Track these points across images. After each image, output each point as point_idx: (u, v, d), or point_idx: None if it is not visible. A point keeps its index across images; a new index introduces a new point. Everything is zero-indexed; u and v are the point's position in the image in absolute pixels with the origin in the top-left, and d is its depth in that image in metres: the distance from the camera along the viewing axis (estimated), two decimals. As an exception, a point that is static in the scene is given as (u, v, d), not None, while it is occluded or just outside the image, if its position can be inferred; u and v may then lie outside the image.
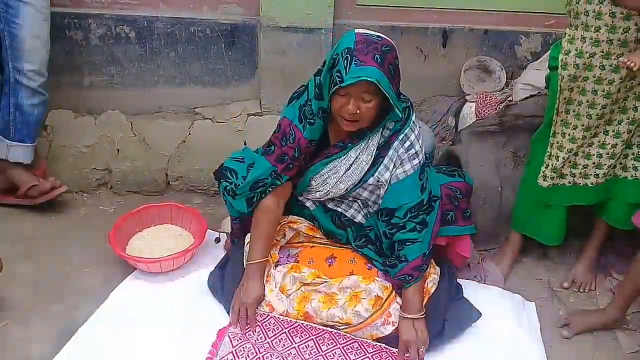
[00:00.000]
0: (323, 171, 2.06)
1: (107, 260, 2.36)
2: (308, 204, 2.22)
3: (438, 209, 2.09)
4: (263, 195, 2.08)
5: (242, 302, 2.07)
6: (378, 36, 1.84)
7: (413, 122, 2.00)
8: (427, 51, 3.04)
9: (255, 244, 2.10)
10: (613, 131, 2.13)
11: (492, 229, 2.54)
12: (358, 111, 1.83)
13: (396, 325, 2.04)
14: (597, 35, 1.95)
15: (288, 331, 2.09)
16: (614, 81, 2.00)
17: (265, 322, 2.11)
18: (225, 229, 2.48)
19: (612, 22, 1.92)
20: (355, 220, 2.19)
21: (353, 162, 2.01)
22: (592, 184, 2.22)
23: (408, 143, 1.97)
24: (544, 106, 2.33)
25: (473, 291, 2.28)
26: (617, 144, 2.14)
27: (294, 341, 2.06)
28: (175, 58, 2.97)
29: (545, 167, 2.24)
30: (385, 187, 2.03)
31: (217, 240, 2.50)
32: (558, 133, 2.18)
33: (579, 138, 2.13)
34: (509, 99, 2.88)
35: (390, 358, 2.03)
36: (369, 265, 2.22)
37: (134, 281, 2.29)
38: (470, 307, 2.17)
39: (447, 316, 2.10)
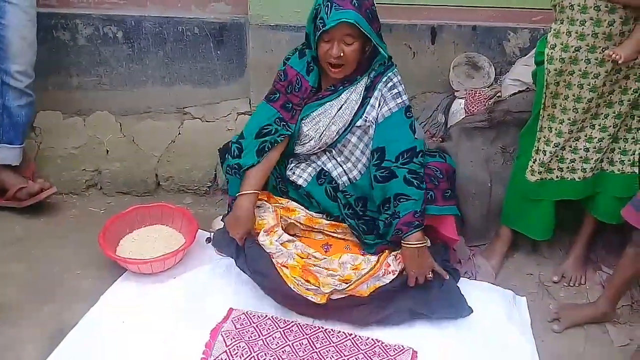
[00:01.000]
0: (315, 114, 2.17)
1: (98, 261, 2.34)
2: (300, 181, 2.28)
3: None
4: (274, 144, 2.16)
5: (232, 231, 2.16)
6: None
7: (396, 69, 2.16)
8: (415, 48, 3.04)
9: (249, 179, 2.16)
10: (599, 125, 2.14)
11: (482, 225, 2.55)
12: (342, 54, 2.00)
13: (397, 274, 2.09)
14: (582, 29, 1.96)
15: (282, 331, 2.09)
16: (600, 75, 2.00)
17: (260, 323, 2.12)
18: (217, 228, 2.47)
19: (597, 15, 1.92)
20: (337, 182, 2.26)
21: (344, 103, 2.14)
22: (579, 178, 2.23)
23: (391, 84, 2.13)
24: (532, 101, 2.34)
25: (464, 287, 2.28)
26: (603, 138, 2.15)
27: (288, 339, 2.07)
28: (163, 58, 2.97)
29: (533, 162, 2.24)
30: (373, 127, 2.14)
31: (209, 240, 2.49)
32: (545, 127, 2.18)
33: (566, 132, 2.14)
34: (497, 95, 2.89)
35: (383, 353, 2.04)
36: (363, 251, 2.26)
37: (124, 283, 2.28)
38: (464, 300, 2.18)
39: (440, 294, 2.13)
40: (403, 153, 2.09)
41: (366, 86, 2.14)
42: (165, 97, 3.05)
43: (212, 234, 2.48)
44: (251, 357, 1.98)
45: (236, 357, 1.98)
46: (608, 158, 2.23)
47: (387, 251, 2.16)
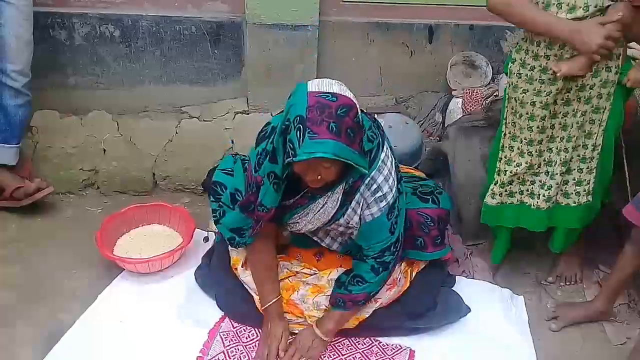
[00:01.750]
0: (294, 215, 1.97)
1: (95, 261, 2.34)
2: (285, 233, 2.17)
3: (399, 253, 2.00)
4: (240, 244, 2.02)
5: (271, 342, 1.99)
6: (333, 95, 1.63)
7: (382, 162, 1.84)
8: (413, 47, 3.05)
9: (264, 287, 2.03)
10: (556, 148, 2.08)
11: (479, 224, 2.53)
12: (319, 177, 1.70)
13: (380, 301, 2.04)
14: (537, 49, 1.95)
15: None
16: (552, 92, 1.97)
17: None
18: (214, 228, 2.47)
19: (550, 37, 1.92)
20: (331, 248, 2.15)
21: (321, 208, 1.91)
22: (536, 206, 2.16)
23: (375, 186, 1.84)
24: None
25: (462, 286, 2.30)
26: (557, 162, 2.09)
27: None
28: (160, 57, 2.96)
29: (494, 184, 2.18)
30: (356, 229, 1.96)
31: (206, 239, 2.49)
32: (506, 147, 2.13)
33: (526, 153, 2.09)
34: (495, 94, 2.89)
35: (381, 352, 2.04)
36: None
37: (122, 282, 2.27)
38: (460, 300, 2.19)
39: (438, 302, 2.12)
40: (379, 251, 1.93)
41: (345, 190, 1.86)
42: (163, 96, 3.04)
43: (209, 233, 2.48)
44: None
45: (233, 358, 1.98)
46: (562, 191, 2.15)
47: None
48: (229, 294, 2.14)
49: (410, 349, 2.05)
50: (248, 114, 3.03)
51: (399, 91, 3.18)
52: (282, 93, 2.95)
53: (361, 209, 1.89)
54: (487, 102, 2.83)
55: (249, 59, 2.94)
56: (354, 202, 1.87)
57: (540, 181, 2.15)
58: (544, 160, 2.12)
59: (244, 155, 2.14)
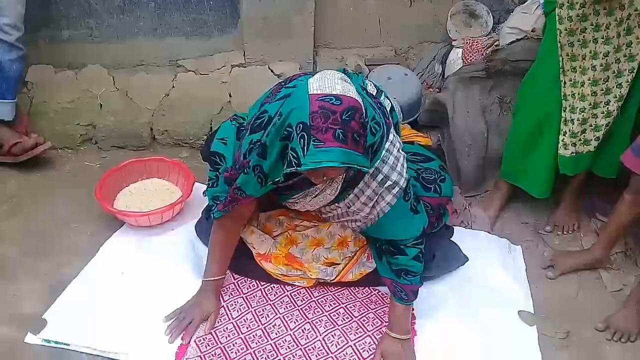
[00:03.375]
0: (293, 197, 1.93)
1: (95, 215, 2.35)
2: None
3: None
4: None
5: (189, 312, 1.97)
6: (337, 98, 1.52)
7: (386, 151, 1.75)
8: (412, -4, 3.00)
9: (214, 260, 2.04)
10: (626, 81, 2.07)
11: (477, 175, 2.55)
12: (324, 177, 1.65)
13: None
14: None
15: (281, 282, 2.12)
16: (611, 24, 1.95)
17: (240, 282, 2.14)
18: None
19: None
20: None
21: (319, 193, 1.85)
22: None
23: (381, 177, 1.76)
24: (530, 50, 2.31)
25: (460, 236, 2.30)
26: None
27: (286, 289, 2.11)
28: (155, 8, 2.90)
29: (564, 135, 2.16)
30: (362, 214, 1.87)
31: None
32: (569, 95, 2.10)
33: (589, 94, 2.07)
34: (495, 44, 2.85)
35: (380, 301, 2.08)
36: None
37: (123, 235, 2.29)
38: (458, 250, 2.21)
39: (436, 252, 2.14)
40: (417, 237, 1.88)
41: (348, 178, 1.78)
42: (158, 50, 3.00)
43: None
44: (248, 312, 2.02)
45: (234, 311, 2.02)
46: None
47: None
48: None
49: (409, 297, 2.08)
50: (245, 67, 2.99)
51: (398, 42, 3.14)
52: (279, 46, 2.94)
53: (374, 202, 1.82)
54: (487, 52, 2.79)
55: (245, 11, 2.88)
56: (357, 189, 1.80)
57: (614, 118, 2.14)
58: (615, 97, 2.09)
59: (242, 119, 2.09)
